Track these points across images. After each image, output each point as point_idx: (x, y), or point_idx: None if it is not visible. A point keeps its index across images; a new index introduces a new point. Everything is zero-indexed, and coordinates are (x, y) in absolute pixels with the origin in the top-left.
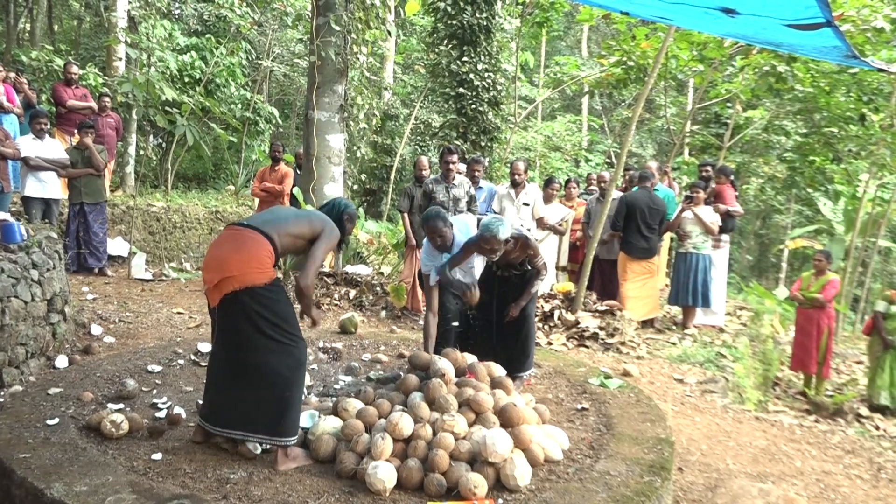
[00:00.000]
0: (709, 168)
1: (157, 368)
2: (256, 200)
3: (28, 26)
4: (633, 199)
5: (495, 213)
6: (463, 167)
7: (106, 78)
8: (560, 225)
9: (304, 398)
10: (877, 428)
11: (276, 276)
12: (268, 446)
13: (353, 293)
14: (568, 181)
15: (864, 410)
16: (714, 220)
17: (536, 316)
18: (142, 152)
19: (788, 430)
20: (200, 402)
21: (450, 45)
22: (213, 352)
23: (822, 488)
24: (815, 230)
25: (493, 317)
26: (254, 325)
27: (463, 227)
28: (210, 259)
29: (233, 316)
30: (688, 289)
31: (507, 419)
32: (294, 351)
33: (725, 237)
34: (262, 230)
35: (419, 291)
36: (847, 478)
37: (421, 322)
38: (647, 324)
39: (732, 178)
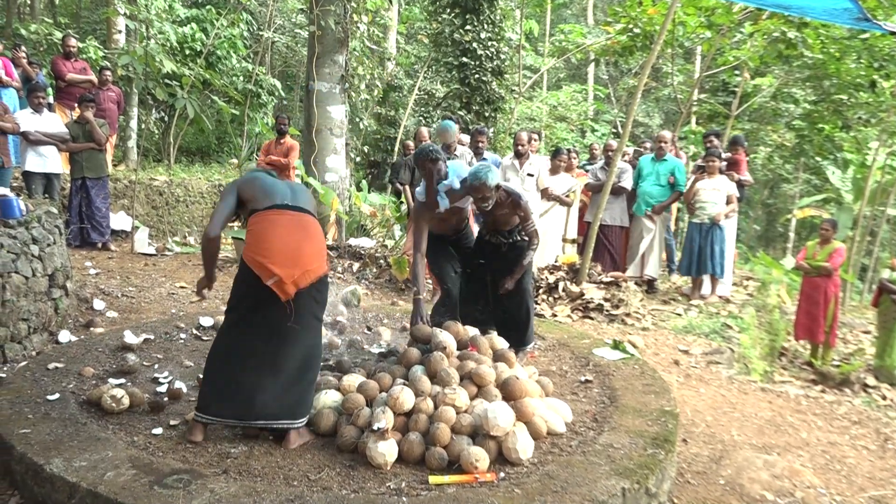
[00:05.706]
0: (713, 138)
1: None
2: None
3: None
4: None
5: None
6: (465, 138)
7: (106, 51)
8: (567, 196)
9: None
10: (884, 398)
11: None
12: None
13: (356, 266)
14: (569, 151)
15: (870, 380)
16: (733, 192)
17: (541, 288)
18: (143, 126)
19: (794, 401)
20: (200, 376)
21: (452, 14)
22: (246, 343)
23: (828, 459)
24: (823, 199)
25: (488, 292)
26: (316, 314)
27: (459, 170)
28: (284, 252)
29: (303, 307)
30: (702, 259)
31: (509, 392)
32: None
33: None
34: (313, 214)
35: None
36: (853, 448)
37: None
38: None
39: (745, 145)
